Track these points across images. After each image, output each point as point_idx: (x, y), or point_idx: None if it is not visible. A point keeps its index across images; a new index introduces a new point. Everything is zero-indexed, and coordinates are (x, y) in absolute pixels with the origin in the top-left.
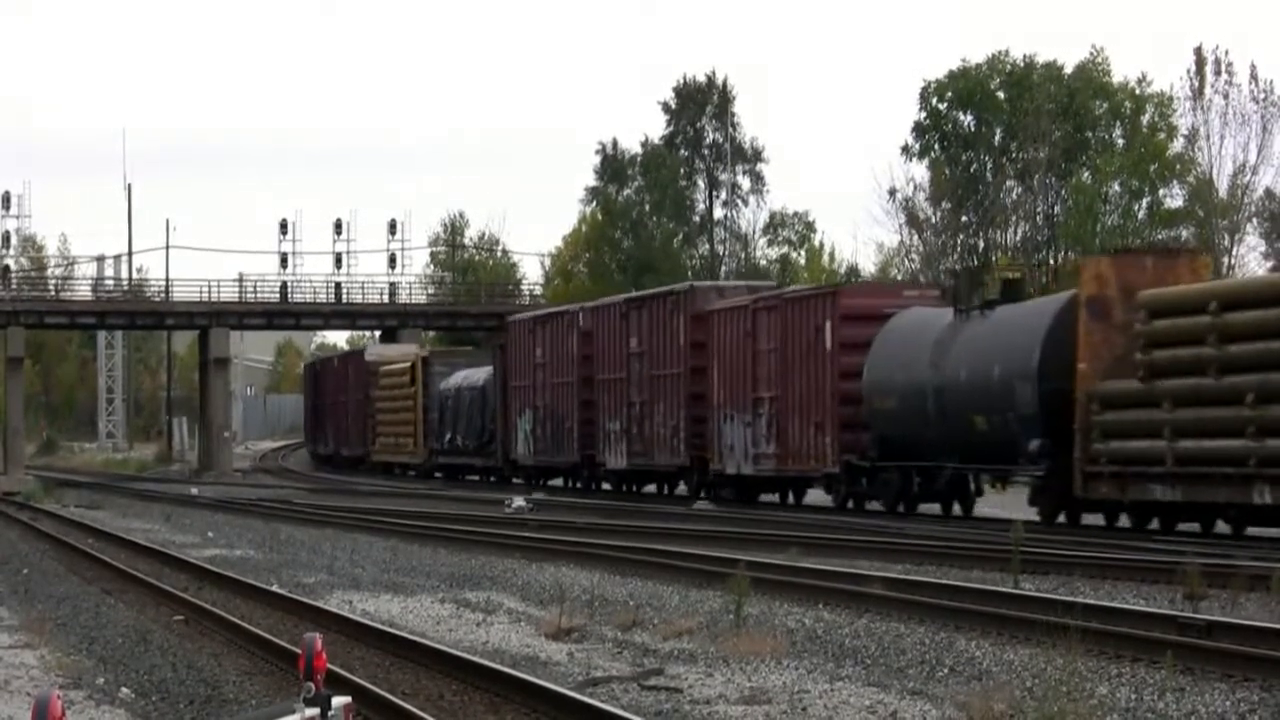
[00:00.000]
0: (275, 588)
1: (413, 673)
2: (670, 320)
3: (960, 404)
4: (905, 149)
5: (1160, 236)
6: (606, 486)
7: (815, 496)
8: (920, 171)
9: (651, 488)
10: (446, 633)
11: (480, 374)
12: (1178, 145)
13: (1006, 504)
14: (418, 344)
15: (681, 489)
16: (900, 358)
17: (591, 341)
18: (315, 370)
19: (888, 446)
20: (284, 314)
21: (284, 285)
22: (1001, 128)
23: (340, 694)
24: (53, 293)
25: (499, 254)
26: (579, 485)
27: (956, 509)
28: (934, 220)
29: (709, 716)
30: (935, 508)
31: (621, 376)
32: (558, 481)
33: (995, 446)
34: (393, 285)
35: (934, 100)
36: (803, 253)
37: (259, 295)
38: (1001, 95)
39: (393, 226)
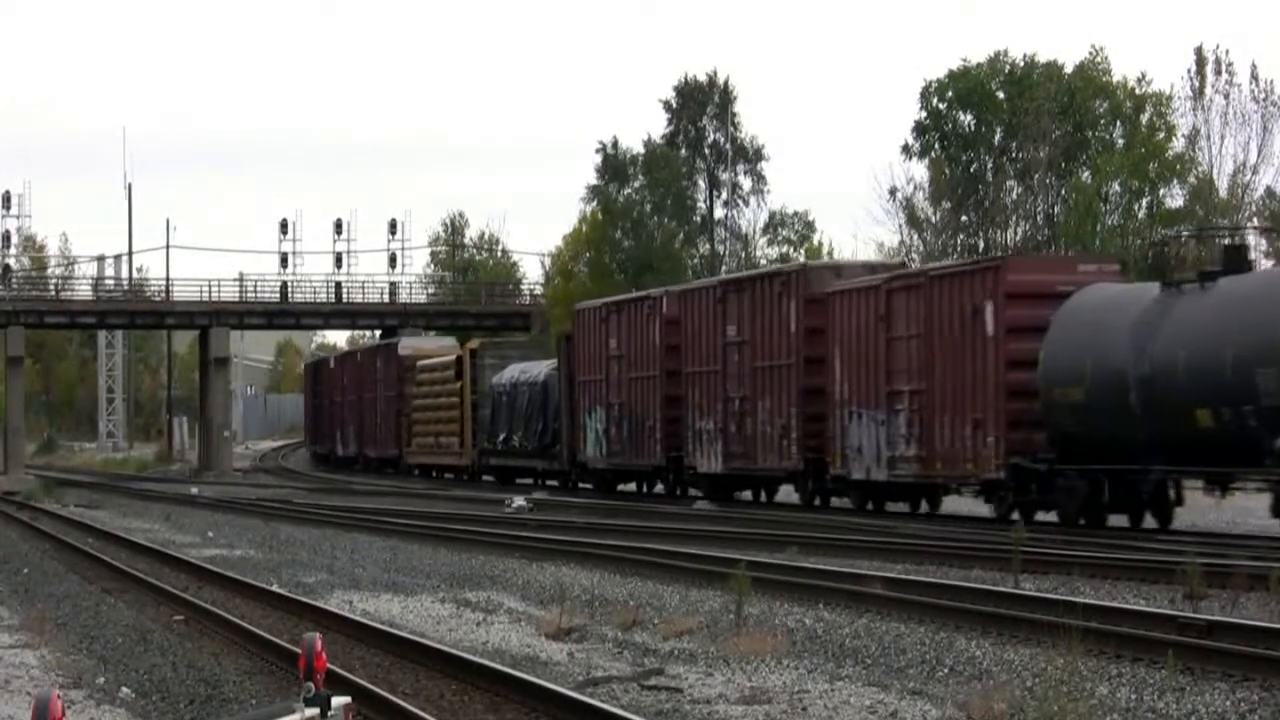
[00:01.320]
0: (275, 587)
1: (413, 673)
2: (778, 304)
3: (1176, 395)
4: (905, 148)
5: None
6: (696, 493)
7: (954, 505)
8: (920, 171)
9: (746, 494)
10: (447, 632)
11: (540, 368)
12: (1178, 145)
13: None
14: (455, 338)
15: (787, 494)
16: (1089, 342)
17: (678, 330)
18: (325, 367)
19: (1072, 446)
20: (284, 314)
21: (284, 285)
22: (1002, 127)
23: (340, 694)
24: (53, 292)
25: (499, 253)
26: (663, 491)
27: (1149, 520)
28: (934, 220)
29: (709, 716)
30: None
31: (716, 369)
32: (632, 487)
33: (1224, 446)
34: (393, 285)
35: (934, 100)
36: (803, 252)
37: (259, 295)
38: (1001, 95)
39: (393, 226)
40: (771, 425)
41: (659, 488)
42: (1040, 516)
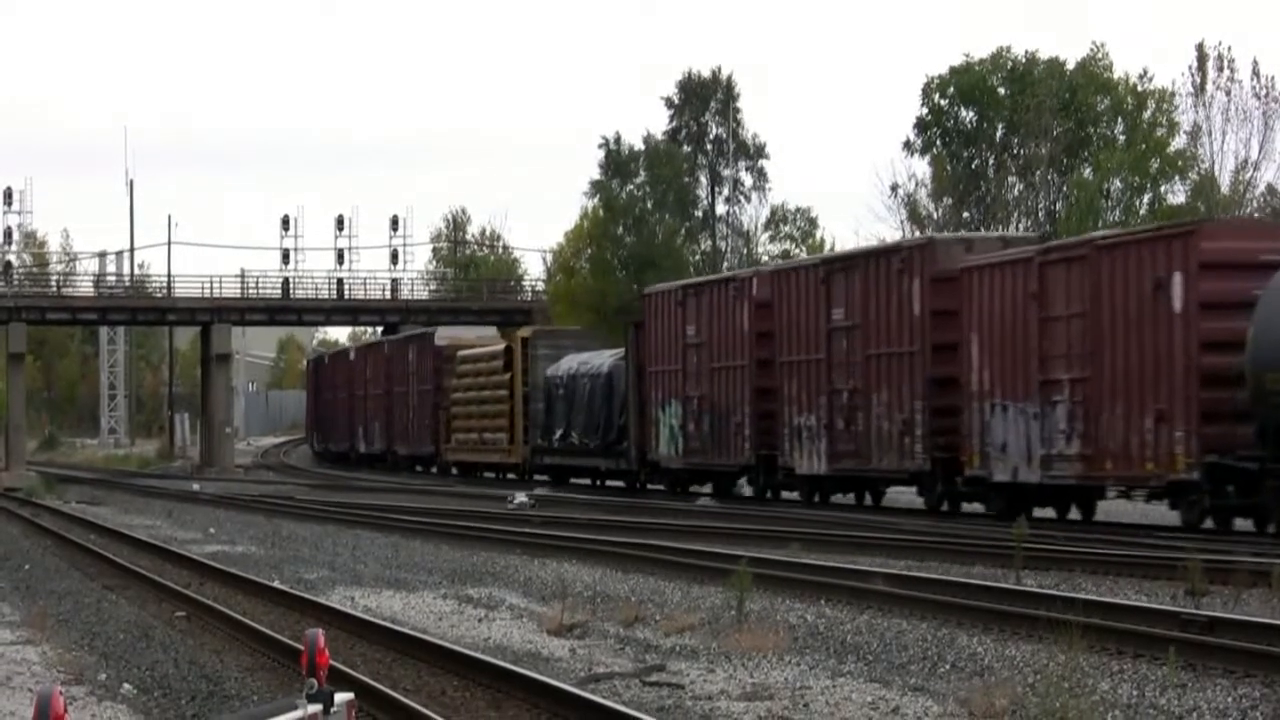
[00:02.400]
0: (277, 584)
1: (415, 669)
2: (897, 284)
3: None
4: (907, 145)
5: None
6: (791, 495)
7: (1111, 508)
8: (922, 167)
9: (844, 497)
10: (448, 629)
11: (603, 357)
12: (1179, 141)
13: None
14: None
15: (907, 497)
16: None
17: (771, 314)
18: (342, 359)
19: None
20: (286, 310)
21: (286, 281)
22: (1003, 124)
23: (343, 690)
24: (55, 289)
25: (501, 250)
26: (751, 494)
27: None
28: (935, 216)
29: (711, 712)
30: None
31: (818, 358)
32: (721, 489)
33: None
34: (395, 281)
35: (936, 96)
36: (804, 249)
37: (261, 291)
38: (1003, 91)
39: (395, 222)
40: (890, 421)
41: (744, 489)
42: (1240, 524)
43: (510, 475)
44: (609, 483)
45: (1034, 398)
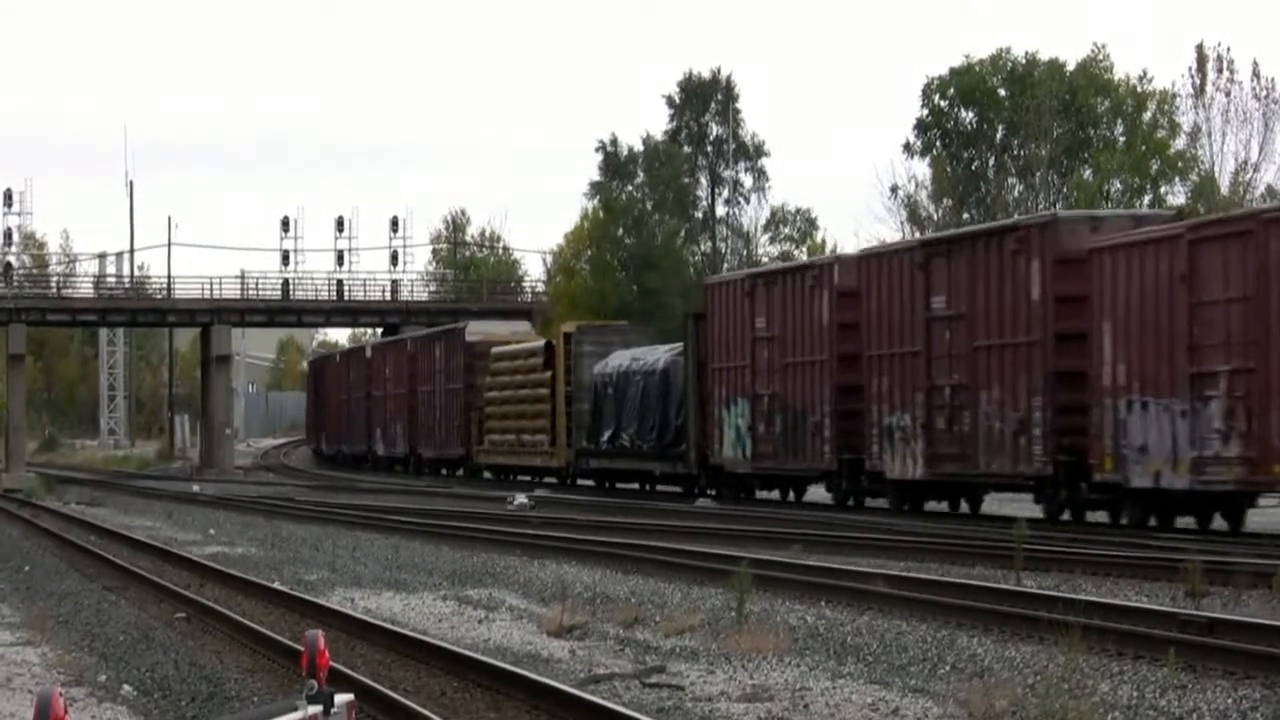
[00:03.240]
0: (277, 585)
1: (415, 670)
2: (1011, 267)
3: None
4: (907, 146)
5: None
6: (880, 503)
7: (1268, 520)
8: (922, 169)
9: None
10: (448, 630)
11: (657, 354)
12: (1179, 143)
13: None
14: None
15: (1012, 505)
16: None
17: (857, 304)
18: (356, 357)
19: None
20: (286, 311)
21: (286, 282)
22: (1003, 125)
23: (343, 691)
24: (55, 290)
25: (501, 251)
26: (832, 501)
27: None
28: (936, 217)
29: (711, 714)
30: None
31: (915, 351)
32: (776, 494)
33: None
34: (395, 282)
35: (936, 97)
36: (804, 250)
37: (261, 292)
38: (1003, 92)
39: (395, 223)
40: (1002, 420)
41: (822, 495)
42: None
43: (549, 479)
44: (663, 488)
45: (1182, 393)
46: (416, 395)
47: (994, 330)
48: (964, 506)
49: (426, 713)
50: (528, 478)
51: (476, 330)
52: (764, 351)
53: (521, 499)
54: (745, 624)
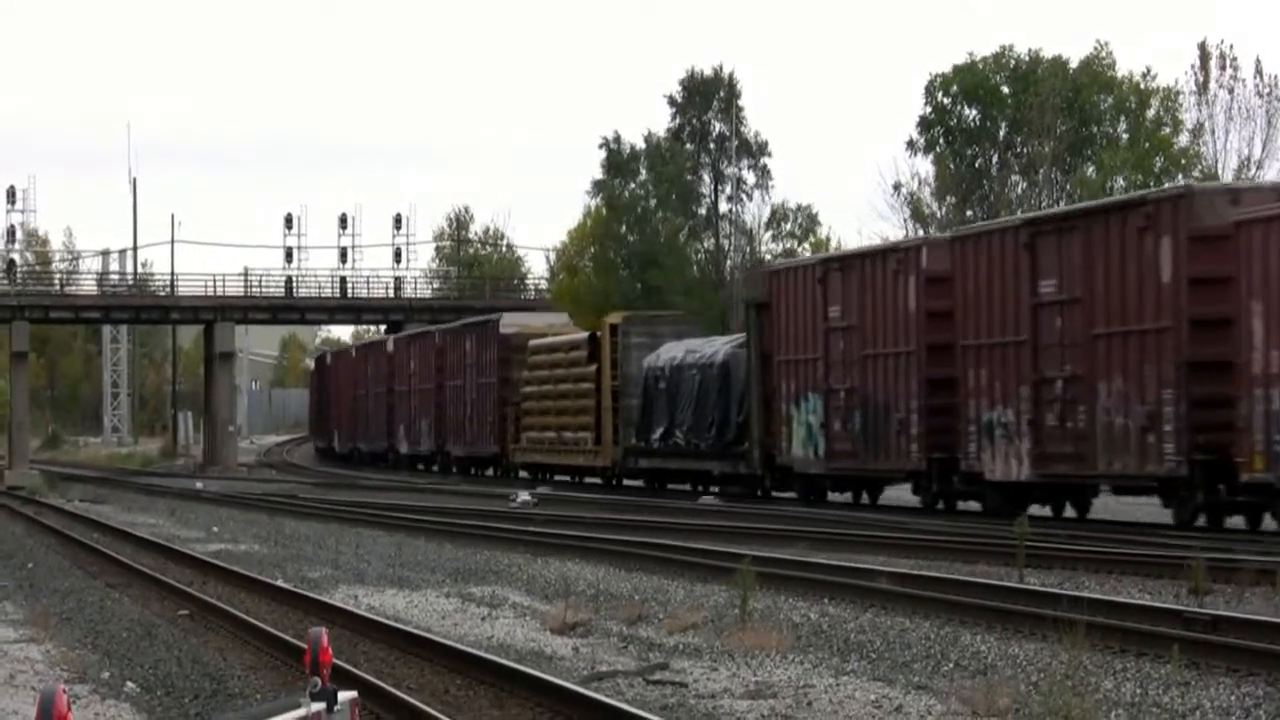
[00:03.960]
0: (280, 582)
1: (418, 667)
2: (1137, 246)
3: None
4: (910, 143)
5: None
6: (972, 506)
7: None
8: (925, 166)
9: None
10: (452, 627)
11: (715, 345)
12: (1182, 140)
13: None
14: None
15: (1140, 508)
16: None
17: (949, 290)
18: (376, 351)
19: None
20: (289, 308)
21: (289, 280)
22: (1006, 122)
23: (346, 688)
24: (58, 287)
25: (504, 248)
26: (920, 504)
27: None
28: (939, 215)
29: (714, 711)
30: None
31: (1019, 340)
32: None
33: None
34: (398, 280)
35: (939, 94)
36: (807, 247)
37: (264, 290)
38: (1006, 90)
39: (398, 221)
40: (1125, 415)
41: (899, 497)
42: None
43: (593, 479)
44: (718, 488)
45: None
46: (445, 390)
47: (1115, 317)
48: (1069, 510)
49: (430, 710)
50: (567, 478)
51: (512, 322)
52: (839, 343)
53: (525, 496)
54: (748, 621)
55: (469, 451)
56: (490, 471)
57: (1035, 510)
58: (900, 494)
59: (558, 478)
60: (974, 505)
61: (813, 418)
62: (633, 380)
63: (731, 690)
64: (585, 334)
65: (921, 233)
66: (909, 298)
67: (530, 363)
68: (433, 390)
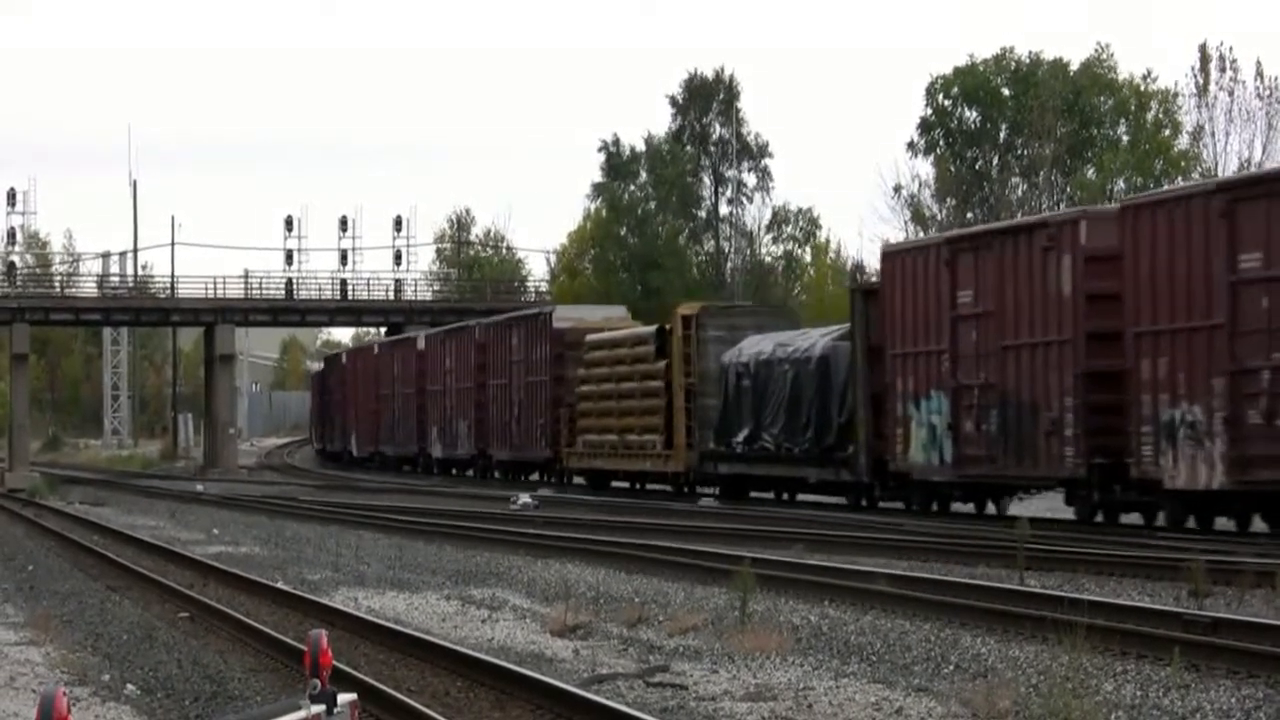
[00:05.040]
0: (280, 584)
1: (418, 669)
2: None
3: None
4: (911, 145)
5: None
6: (1152, 521)
7: None
8: (925, 168)
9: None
10: (452, 629)
11: (811, 338)
12: (1183, 142)
13: None
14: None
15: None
16: None
17: (1114, 269)
18: (403, 349)
19: None
20: (289, 310)
21: (289, 282)
22: (1007, 124)
23: (346, 691)
24: (58, 289)
25: (504, 251)
26: (1075, 517)
27: None
28: (939, 217)
29: (714, 713)
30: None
31: (1210, 324)
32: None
33: None
34: (398, 282)
35: (940, 97)
36: (808, 249)
37: (264, 292)
38: (1007, 92)
39: (398, 223)
40: None
41: (1047, 506)
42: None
43: (663, 486)
44: (819, 497)
45: None
46: (487, 390)
47: None
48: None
49: (430, 712)
50: (626, 483)
51: (566, 315)
52: (970, 332)
53: (525, 499)
54: (748, 623)
55: (515, 455)
56: (538, 476)
57: (1222, 524)
58: (1042, 504)
59: (615, 484)
60: (1138, 517)
61: (936, 418)
62: (710, 377)
63: (732, 692)
64: (652, 328)
65: (921, 234)
66: (1063, 279)
67: (587, 359)
68: (472, 390)
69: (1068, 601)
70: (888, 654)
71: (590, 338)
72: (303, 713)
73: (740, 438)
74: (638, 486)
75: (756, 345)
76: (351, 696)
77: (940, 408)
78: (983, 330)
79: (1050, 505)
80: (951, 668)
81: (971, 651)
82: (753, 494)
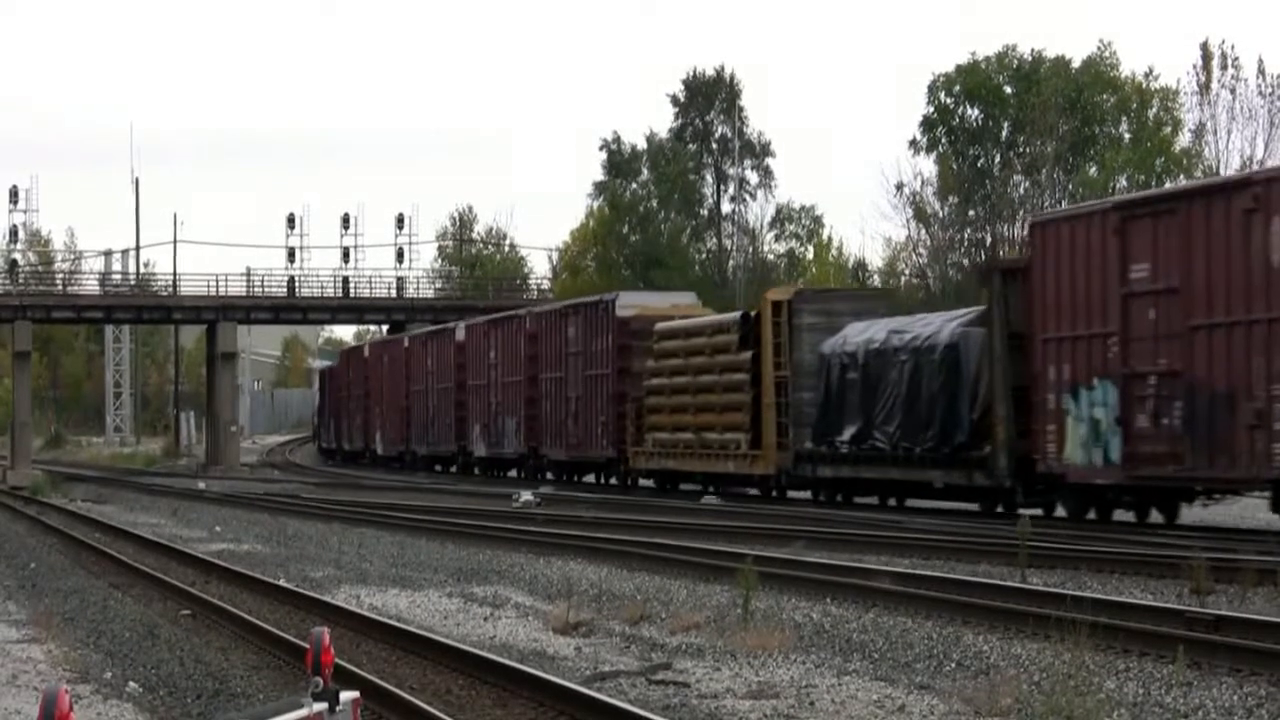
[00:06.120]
0: (283, 582)
1: (420, 667)
2: None
3: None
4: (913, 143)
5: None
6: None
7: None
8: (928, 166)
9: None
10: (454, 627)
11: (933, 324)
12: (1184, 139)
13: None
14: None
15: None
16: None
17: None
18: (441, 340)
19: None
20: (291, 308)
21: (291, 279)
22: (1009, 122)
23: (348, 688)
24: (60, 287)
25: (507, 248)
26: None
27: None
28: (941, 215)
29: (717, 710)
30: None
31: None
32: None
33: None
34: (400, 280)
35: (942, 94)
36: (810, 247)
37: (266, 290)
38: (1009, 89)
39: (400, 221)
40: None
41: (1243, 512)
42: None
43: (749, 490)
44: (933, 502)
45: None
46: (539, 384)
47: None
48: None
49: (432, 710)
50: (701, 486)
51: (631, 303)
52: (1147, 311)
53: (527, 496)
54: (751, 621)
55: (572, 455)
56: (594, 479)
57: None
58: (1232, 511)
59: (684, 486)
60: None
61: (1101, 411)
62: (805, 369)
63: (734, 690)
64: (736, 314)
65: (924, 234)
66: (1272, 246)
67: (657, 350)
68: (522, 384)
69: (1070, 599)
70: (890, 652)
71: (660, 326)
72: (305, 711)
73: (846, 437)
74: (707, 489)
75: (865, 332)
76: (354, 694)
77: (1106, 399)
78: (1163, 309)
79: (1242, 511)
80: (954, 665)
81: (974, 649)
82: (857, 499)
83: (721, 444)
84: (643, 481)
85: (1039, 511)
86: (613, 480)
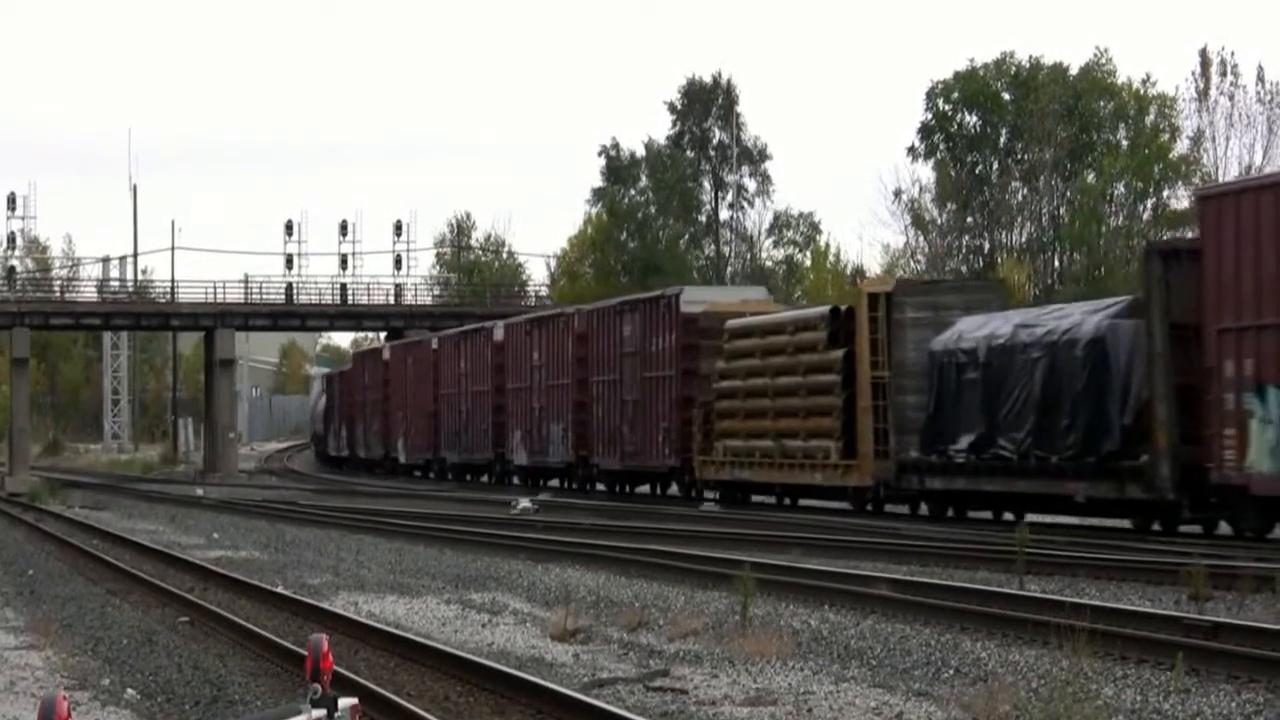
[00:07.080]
0: (280, 589)
1: (418, 674)
2: None
3: None
4: (911, 150)
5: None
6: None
7: None
8: (926, 172)
9: None
10: (452, 634)
11: (1072, 316)
12: (1182, 146)
13: None
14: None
15: None
16: None
17: None
18: (478, 340)
19: None
20: (289, 315)
21: (289, 286)
22: (1007, 129)
23: (347, 695)
24: (58, 294)
25: (505, 255)
26: None
27: None
28: (939, 221)
29: (715, 717)
30: None
31: None
32: None
33: None
34: (398, 286)
35: (940, 101)
36: (808, 254)
37: (264, 296)
38: (1007, 96)
39: (398, 228)
40: None
41: None
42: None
43: (840, 503)
44: (1064, 518)
45: None
46: (590, 387)
47: None
48: None
49: (430, 717)
50: (771, 499)
51: (697, 298)
52: None
53: (525, 503)
54: (749, 628)
55: (627, 464)
56: (649, 488)
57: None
58: None
59: (756, 498)
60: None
61: None
62: (909, 369)
63: (732, 697)
64: (823, 309)
65: (922, 240)
66: None
67: (729, 349)
68: (570, 387)
69: (1068, 606)
70: (888, 658)
71: (732, 324)
72: (303, 717)
73: (963, 445)
74: (781, 502)
75: (984, 327)
76: (352, 701)
77: None
78: None
79: None
80: (952, 672)
81: (972, 656)
82: (971, 514)
83: (807, 452)
84: (706, 494)
85: (1198, 529)
86: (673, 490)
